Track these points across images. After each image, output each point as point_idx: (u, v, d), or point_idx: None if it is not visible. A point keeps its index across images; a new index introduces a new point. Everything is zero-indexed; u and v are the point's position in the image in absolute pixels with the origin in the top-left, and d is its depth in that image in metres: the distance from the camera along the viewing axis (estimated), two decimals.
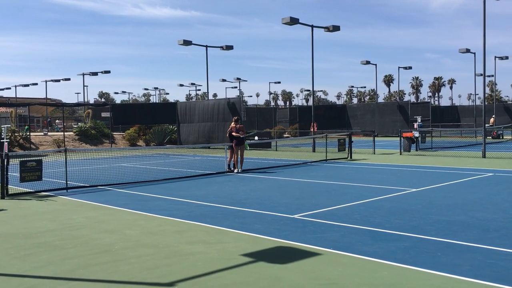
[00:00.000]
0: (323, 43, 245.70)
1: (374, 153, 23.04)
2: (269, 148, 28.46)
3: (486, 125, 26.73)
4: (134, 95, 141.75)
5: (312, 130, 29.97)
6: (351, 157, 20.61)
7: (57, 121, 59.99)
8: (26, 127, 33.48)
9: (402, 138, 23.76)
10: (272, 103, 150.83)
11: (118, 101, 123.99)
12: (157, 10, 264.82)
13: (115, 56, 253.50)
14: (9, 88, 66.52)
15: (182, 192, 11.88)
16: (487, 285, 4.97)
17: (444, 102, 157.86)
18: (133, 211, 9.56)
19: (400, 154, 22.81)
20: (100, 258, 6.24)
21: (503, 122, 46.44)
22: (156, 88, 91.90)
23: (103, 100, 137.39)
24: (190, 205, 10.09)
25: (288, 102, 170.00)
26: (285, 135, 40.58)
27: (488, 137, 29.84)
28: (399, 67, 54.04)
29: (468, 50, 38.75)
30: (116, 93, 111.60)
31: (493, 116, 41.70)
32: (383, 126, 42.96)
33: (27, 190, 12.26)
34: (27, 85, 61.19)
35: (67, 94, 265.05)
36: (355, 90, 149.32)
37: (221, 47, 34.43)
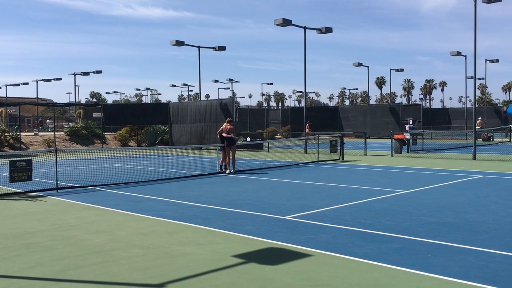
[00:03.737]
0: (316, 45, 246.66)
1: (366, 155, 23.12)
2: (261, 149, 28.46)
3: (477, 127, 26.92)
4: (126, 96, 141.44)
5: (306, 131, 30.03)
6: (342, 158, 20.66)
7: (48, 121, 59.62)
8: (16, 126, 33.26)
9: (393, 140, 23.86)
10: (265, 104, 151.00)
11: (109, 101, 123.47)
12: (149, 10, 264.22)
13: (106, 56, 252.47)
14: (0, 88, 66.02)
15: (173, 193, 11.85)
16: (477, 286, 5.00)
17: (436, 104, 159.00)
18: (124, 211, 9.51)
19: (392, 155, 22.91)
20: (91, 259, 6.20)
21: (493, 124, 46.81)
22: (148, 89, 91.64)
23: (94, 100, 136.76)
24: (181, 206, 10.06)
25: (280, 104, 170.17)
26: (277, 136, 40.62)
27: (478, 139, 30.06)
28: (391, 69, 54.37)
29: (459, 53, 39.04)
30: (107, 93, 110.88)
31: (480, 118, 41.99)
32: (374, 128, 43.15)
33: (17, 190, 12.16)
34: (17, 85, 60.76)
35: (58, 94, 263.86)
36: (347, 92, 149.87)
37: (214, 48, 34.42)
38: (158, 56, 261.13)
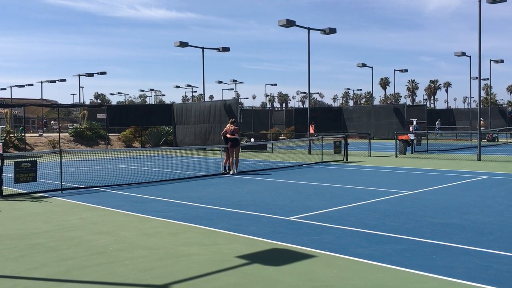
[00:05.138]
0: (319, 46, 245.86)
1: (370, 156, 23.08)
2: (265, 150, 28.45)
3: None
4: (130, 97, 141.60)
5: (309, 131, 30.00)
6: (346, 159, 20.63)
7: (52, 122, 59.80)
8: (21, 127, 33.37)
9: (397, 140, 23.80)
10: (268, 105, 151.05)
11: (114, 102, 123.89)
12: (153, 12, 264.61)
13: (110, 57, 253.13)
14: (4, 89, 66.33)
15: (177, 193, 11.86)
16: (482, 287, 4.98)
17: (440, 105, 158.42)
18: (128, 212, 9.53)
19: (396, 156, 22.85)
20: (95, 259, 6.21)
21: (498, 125, 46.67)
22: (152, 90, 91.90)
23: (98, 101, 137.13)
24: (185, 206, 10.07)
25: (284, 104, 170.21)
26: (281, 137, 40.59)
27: (483, 140, 29.96)
28: (395, 70, 54.24)
29: (463, 54, 38.94)
30: (112, 94, 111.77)
31: (482, 119, 41.95)
32: (379, 129, 43.06)
33: (22, 191, 12.19)
34: (22, 86, 61.05)
35: (62, 95, 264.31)
36: (351, 93, 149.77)
37: (218, 49, 34.44)
38: (162, 57, 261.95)
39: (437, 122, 46.39)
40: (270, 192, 11.99)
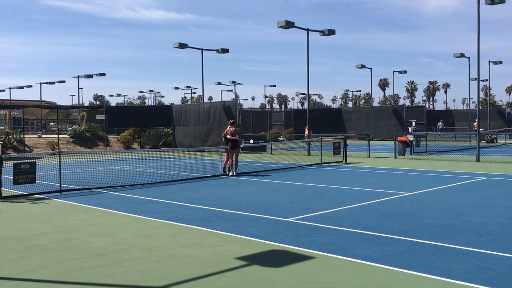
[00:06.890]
0: (319, 47, 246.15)
1: (369, 157, 23.09)
2: (264, 152, 28.45)
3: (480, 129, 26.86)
4: (129, 98, 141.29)
5: (306, 133, 29.94)
6: (346, 160, 20.64)
7: (51, 123, 59.77)
8: (20, 129, 33.34)
9: (396, 142, 23.81)
10: (268, 107, 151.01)
11: (113, 103, 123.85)
12: (151, 13, 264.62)
13: (110, 59, 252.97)
14: (3, 90, 66.17)
15: (176, 195, 11.86)
16: None
17: (439, 106, 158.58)
18: (127, 214, 9.52)
19: (395, 158, 22.87)
20: (94, 261, 6.21)
21: (497, 126, 46.71)
22: (151, 91, 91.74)
23: (98, 102, 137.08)
24: (184, 208, 10.07)
25: (283, 106, 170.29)
26: (280, 139, 40.58)
27: (482, 141, 29.99)
28: (394, 71, 54.21)
29: (462, 55, 38.94)
30: (111, 95, 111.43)
31: (476, 120, 41.99)
32: (378, 130, 43.08)
33: (21, 192, 12.19)
34: (21, 87, 60.95)
35: (61, 96, 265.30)
36: (350, 94, 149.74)
37: (217, 50, 34.43)
38: (161, 59, 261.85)
39: (440, 123, 45.15)
40: (269, 193, 11.99)
